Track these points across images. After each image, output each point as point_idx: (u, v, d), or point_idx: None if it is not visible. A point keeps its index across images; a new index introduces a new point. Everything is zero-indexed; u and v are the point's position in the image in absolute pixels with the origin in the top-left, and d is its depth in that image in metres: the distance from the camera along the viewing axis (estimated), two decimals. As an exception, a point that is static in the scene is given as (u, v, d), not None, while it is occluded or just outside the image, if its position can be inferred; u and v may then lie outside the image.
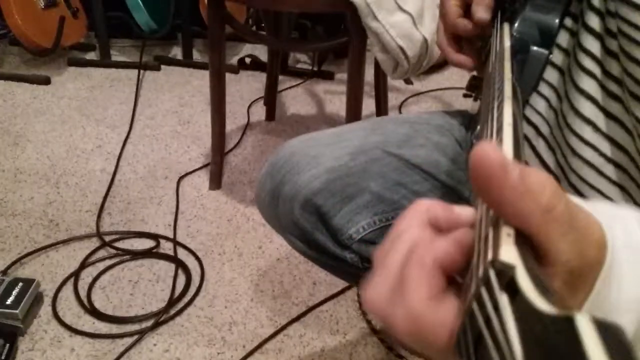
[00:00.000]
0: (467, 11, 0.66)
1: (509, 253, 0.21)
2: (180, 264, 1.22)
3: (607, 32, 0.51)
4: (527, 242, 0.23)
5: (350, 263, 0.68)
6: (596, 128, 0.54)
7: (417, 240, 0.27)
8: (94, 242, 1.28)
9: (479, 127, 0.60)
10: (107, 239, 1.28)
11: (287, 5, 1.20)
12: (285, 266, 1.25)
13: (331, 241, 0.67)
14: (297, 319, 1.11)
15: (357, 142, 0.68)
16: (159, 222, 1.36)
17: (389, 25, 1.11)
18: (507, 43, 0.48)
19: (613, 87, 0.52)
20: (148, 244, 1.28)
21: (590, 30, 0.52)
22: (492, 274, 0.20)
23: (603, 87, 0.53)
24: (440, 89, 2.06)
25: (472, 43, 0.68)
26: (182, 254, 1.26)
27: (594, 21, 0.52)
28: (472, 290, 0.22)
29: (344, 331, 1.09)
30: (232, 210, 1.42)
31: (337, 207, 0.66)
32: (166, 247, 1.28)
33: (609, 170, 0.54)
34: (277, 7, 1.49)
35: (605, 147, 0.54)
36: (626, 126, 0.52)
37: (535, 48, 0.54)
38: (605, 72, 0.52)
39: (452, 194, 0.67)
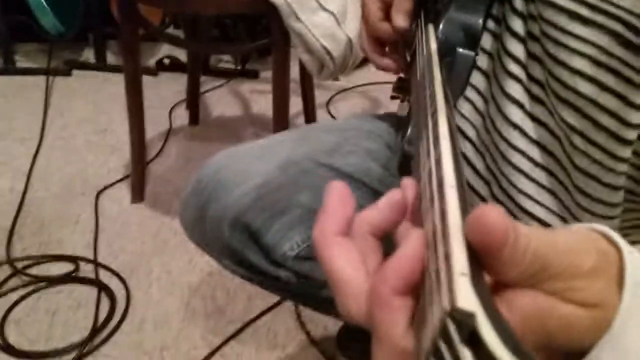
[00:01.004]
0: (389, 13, 0.66)
1: (468, 298, 0.19)
2: (102, 288, 1.16)
3: (530, 35, 0.52)
4: (482, 280, 0.22)
5: (285, 281, 0.66)
6: (523, 133, 0.54)
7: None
8: (5, 270, 1.19)
9: (410, 131, 0.60)
10: (20, 265, 1.20)
11: (203, 8, 1.16)
12: (217, 280, 1.21)
13: (264, 259, 0.65)
14: (233, 336, 1.07)
15: (286, 154, 0.66)
16: (77, 242, 1.28)
17: (312, 26, 1.09)
18: (434, 46, 0.48)
19: (537, 91, 0.53)
20: (66, 267, 1.21)
21: (514, 34, 0.53)
22: (450, 327, 0.18)
23: (528, 91, 0.53)
24: (367, 84, 2.08)
25: (396, 45, 0.68)
26: (104, 276, 1.20)
27: (517, 24, 0.53)
28: (427, 342, 0.20)
29: (283, 344, 1.07)
30: (157, 224, 1.36)
31: (268, 223, 0.63)
32: (86, 270, 1.21)
33: (538, 174, 0.55)
34: (192, 10, 1.44)
35: (534, 151, 0.54)
36: (552, 130, 0.53)
37: (461, 50, 0.54)
38: (529, 76, 0.53)
39: (386, 201, 0.67)
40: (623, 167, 0.48)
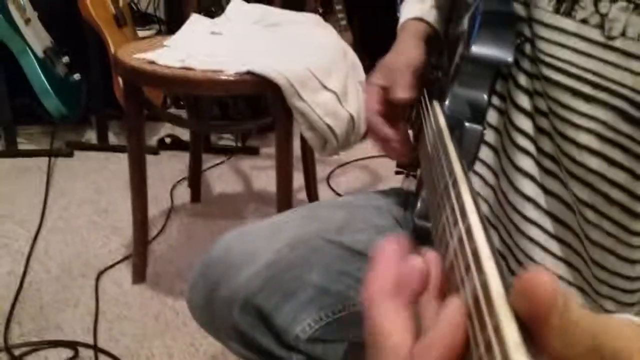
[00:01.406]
0: (387, 102, 0.68)
1: None
2: (103, 374, 1.13)
3: (537, 110, 0.53)
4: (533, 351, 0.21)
5: (297, 365, 0.65)
6: (537, 205, 0.55)
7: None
8: (2, 358, 1.16)
9: (419, 205, 0.60)
10: (17, 352, 1.16)
11: (209, 90, 1.20)
12: (222, 363, 1.18)
13: (275, 343, 0.64)
14: None
15: (295, 232, 0.66)
16: (76, 327, 1.26)
17: (315, 104, 1.12)
18: (442, 120, 0.49)
19: (548, 164, 0.54)
20: (65, 354, 1.18)
21: (521, 109, 0.54)
22: None
23: (539, 164, 0.54)
24: (366, 158, 2.11)
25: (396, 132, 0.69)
26: (105, 362, 1.17)
27: (523, 100, 0.54)
28: None
29: None
30: (159, 306, 1.34)
31: (279, 305, 0.62)
32: (86, 356, 1.18)
33: (554, 246, 0.55)
34: (198, 92, 1.49)
35: (548, 223, 0.55)
36: (566, 202, 0.53)
37: (468, 124, 0.55)
38: (540, 150, 0.54)
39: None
40: (638, 241, 0.49)
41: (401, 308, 0.28)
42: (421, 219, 0.59)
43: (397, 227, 0.70)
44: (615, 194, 0.48)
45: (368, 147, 2.21)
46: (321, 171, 1.91)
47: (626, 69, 0.46)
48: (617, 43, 0.46)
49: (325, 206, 0.74)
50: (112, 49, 2.02)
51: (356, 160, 2.10)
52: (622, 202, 0.48)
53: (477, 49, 0.54)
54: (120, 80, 1.98)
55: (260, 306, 0.62)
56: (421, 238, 0.63)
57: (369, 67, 1.31)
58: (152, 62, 1.19)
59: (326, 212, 0.70)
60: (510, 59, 0.54)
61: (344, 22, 2.21)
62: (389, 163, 2.40)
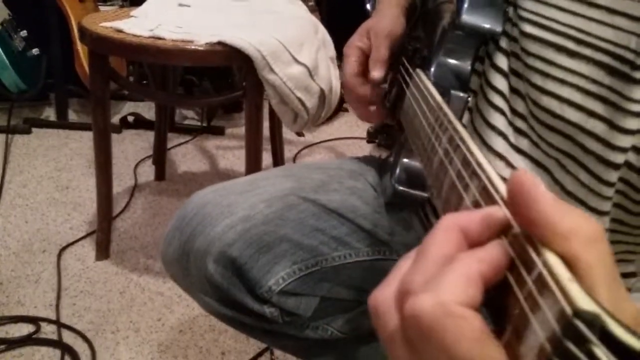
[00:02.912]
0: (366, 64, 0.71)
1: (588, 301, 0.20)
2: (66, 349, 1.13)
3: (513, 72, 0.57)
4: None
5: (270, 319, 0.67)
6: (508, 163, 0.58)
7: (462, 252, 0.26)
8: (-41, 332, 1.15)
9: (398, 171, 0.63)
10: (-24, 326, 1.16)
11: (181, 60, 1.21)
12: (189, 338, 1.19)
13: (249, 296, 0.66)
14: (207, 393, 1.05)
15: (272, 189, 0.68)
16: (38, 302, 1.25)
17: (287, 78, 1.14)
18: (432, 88, 0.51)
19: (520, 124, 0.57)
20: (27, 329, 1.17)
21: (499, 69, 0.58)
22: (581, 327, 0.20)
23: (511, 124, 0.58)
24: (332, 140, 2.14)
25: (372, 97, 0.72)
26: (68, 337, 1.17)
27: (502, 61, 0.58)
28: (537, 345, 0.21)
29: (260, 401, 1.05)
30: (124, 282, 1.34)
31: (254, 258, 0.65)
32: (48, 331, 1.18)
33: None
34: (167, 62, 1.49)
35: None
36: (536, 160, 0.57)
37: (454, 92, 0.57)
38: (513, 110, 0.58)
39: (371, 237, 0.69)
40: (609, 192, 0.52)
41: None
42: (402, 184, 0.63)
43: (371, 190, 0.73)
44: (591, 144, 0.51)
45: (335, 129, 2.24)
46: (288, 151, 1.93)
47: (609, 25, 0.49)
48: (601, 1, 0.50)
49: (301, 167, 0.76)
50: (74, 23, 2.00)
51: (322, 141, 2.13)
52: (598, 152, 0.51)
53: (467, 19, 0.57)
54: (82, 55, 1.96)
55: (234, 258, 0.64)
56: (401, 203, 0.66)
57: (337, 50, 1.33)
58: (120, 31, 1.19)
59: (302, 172, 0.73)
60: (499, 29, 0.57)
61: (311, 3, 2.23)
62: (356, 144, 2.43)
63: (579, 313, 0.20)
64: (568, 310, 0.20)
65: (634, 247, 0.57)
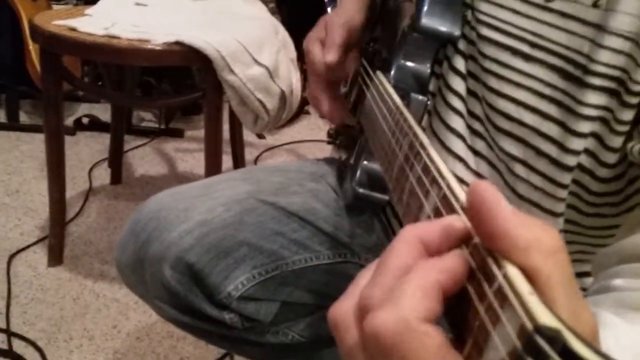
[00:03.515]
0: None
1: (549, 315, 0.20)
2: (16, 359, 1.08)
3: (470, 74, 0.57)
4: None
5: (229, 325, 0.66)
6: (467, 165, 0.58)
7: (419, 261, 0.26)
8: None
9: (359, 174, 0.63)
10: None
11: (138, 60, 1.18)
12: (146, 345, 1.16)
13: (207, 302, 0.65)
14: (165, 402, 1.03)
15: (230, 192, 0.67)
16: (-14, 310, 1.20)
17: (247, 79, 1.13)
18: (392, 91, 0.51)
19: (477, 126, 0.57)
20: (-27, 337, 1.13)
21: (457, 72, 0.58)
22: (541, 343, 0.19)
23: (468, 125, 0.58)
24: (293, 142, 2.13)
25: (337, 96, 0.72)
26: (18, 346, 1.12)
27: (460, 63, 0.58)
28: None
29: (220, 408, 1.03)
30: (77, 288, 1.30)
31: (212, 263, 0.63)
32: (-3, 339, 1.13)
33: None
34: (122, 62, 1.45)
35: None
36: (492, 163, 0.57)
37: (414, 95, 0.57)
38: (470, 112, 0.58)
39: (332, 240, 0.69)
40: (563, 194, 0.53)
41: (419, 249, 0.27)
42: (363, 187, 0.62)
43: (331, 192, 0.72)
44: (546, 147, 0.52)
45: (296, 131, 2.23)
46: (249, 154, 1.91)
47: (563, 29, 0.50)
48: (555, 5, 0.50)
49: (260, 170, 0.75)
50: (25, 21, 1.93)
51: (283, 144, 2.12)
52: (552, 154, 0.52)
53: (426, 23, 0.57)
54: (34, 54, 1.90)
55: (192, 264, 0.62)
56: (361, 206, 0.66)
57: (297, 52, 1.33)
58: (74, 29, 1.16)
59: (261, 175, 0.72)
60: (458, 32, 0.57)
61: (272, 5, 2.22)
62: (317, 146, 2.43)
63: (539, 329, 0.20)
64: (529, 325, 0.20)
65: (587, 247, 0.58)
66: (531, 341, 0.20)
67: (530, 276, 0.22)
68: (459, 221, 0.27)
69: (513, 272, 0.23)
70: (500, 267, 0.23)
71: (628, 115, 0.47)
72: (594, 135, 0.50)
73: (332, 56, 0.66)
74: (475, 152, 0.58)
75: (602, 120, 0.49)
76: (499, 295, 0.22)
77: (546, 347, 0.19)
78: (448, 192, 0.30)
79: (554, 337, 0.19)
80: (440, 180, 0.32)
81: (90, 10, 1.30)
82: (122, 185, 1.76)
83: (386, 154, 0.45)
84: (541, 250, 0.23)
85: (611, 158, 0.49)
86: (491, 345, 0.22)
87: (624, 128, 0.48)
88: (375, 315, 0.24)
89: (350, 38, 0.68)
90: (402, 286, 0.24)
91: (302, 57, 0.74)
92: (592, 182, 0.51)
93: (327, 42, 0.67)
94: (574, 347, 0.19)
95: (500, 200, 0.24)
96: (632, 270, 0.43)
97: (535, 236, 0.23)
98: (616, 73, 0.47)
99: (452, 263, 0.25)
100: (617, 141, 0.48)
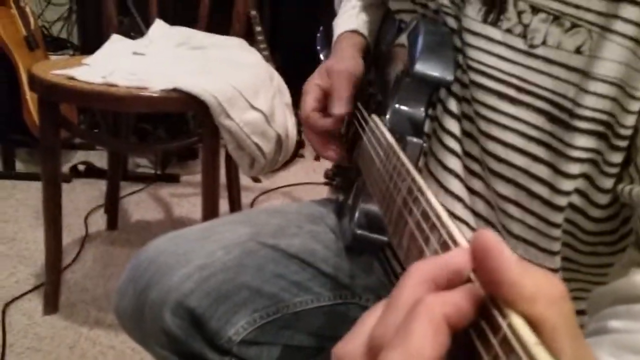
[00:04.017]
0: (325, 103, 0.71)
1: None
2: (10, 409, 1.06)
3: (464, 115, 0.58)
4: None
5: (230, 370, 0.65)
6: (465, 204, 0.59)
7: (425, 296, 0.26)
8: None
9: (357, 215, 0.63)
10: None
11: (136, 107, 1.19)
12: (143, 393, 1.14)
13: (208, 347, 0.64)
14: None
15: (229, 235, 0.67)
16: (-20, 361, 1.18)
17: (243, 123, 1.14)
18: (389, 135, 0.51)
19: (473, 166, 0.58)
20: (-33, 389, 1.10)
21: (451, 113, 0.59)
22: None
23: (465, 165, 0.59)
24: (289, 185, 2.14)
25: (334, 135, 0.73)
26: (12, 396, 1.10)
27: (453, 105, 0.59)
28: None
29: None
30: (73, 336, 1.28)
31: (212, 307, 0.63)
32: (-9, 391, 1.11)
33: None
34: (120, 109, 1.47)
35: (473, 222, 0.59)
36: (488, 201, 0.58)
37: (409, 138, 0.58)
38: (466, 152, 0.59)
39: (332, 281, 0.68)
40: (557, 233, 0.53)
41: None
42: (362, 228, 0.62)
43: (330, 234, 0.72)
44: (537, 188, 0.53)
45: (292, 174, 2.24)
46: (245, 197, 1.91)
47: (547, 74, 0.51)
48: (539, 51, 0.52)
49: (258, 212, 0.75)
50: (23, 72, 1.96)
51: (279, 187, 2.12)
52: (543, 195, 0.52)
53: (420, 68, 0.58)
54: (30, 104, 1.92)
55: (192, 309, 0.62)
56: (361, 247, 0.66)
57: (292, 98, 1.34)
58: (72, 78, 1.17)
59: (260, 217, 0.72)
60: (450, 77, 0.58)
61: (266, 53, 2.26)
62: (313, 189, 2.43)
63: None
64: None
65: (585, 285, 0.58)
66: None
67: (535, 326, 0.22)
68: (466, 256, 0.27)
69: (518, 322, 0.23)
70: (504, 316, 0.23)
71: (617, 157, 0.48)
72: (585, 176, 0.50)
73: (339, 110, 0.68)
74: (473, 192, 0.59)
75: (592, 162, 0.49)
76: (504, 345, 0.22)
77: None
78: (448, 239, 0.30)
79: None
80: (439, 226, 0.32)
81: (88, 60, 1.32)
82: (119, 231, 1.76)
83: (384, 198, 0.45)
84: (546, 300, 0.23)
85: (603, 199, 0.50)
86: None
87: (614, 170, 0.48)
88: (388, 355, 0.24)
89: (355, 89, 0.70)
90: (412, 324, 0.24)
91: (296, 103, 0.76)
92: (585, 221, 0.52)
93: (335, 96, 0.68)
94: None
95: (503, 249, 0.24)
96: (629, 312, 0.43)
97: (540, 285, 0.23)
98: (603, 117, 0.48)
99: (458, 297, 0.25)
100: (607, 182, 0.49)
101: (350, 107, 0.69)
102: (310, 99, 0.71)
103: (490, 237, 0.24)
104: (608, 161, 0.48)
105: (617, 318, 0.43)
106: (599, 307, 0.46)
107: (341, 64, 0.70)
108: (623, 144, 0.47)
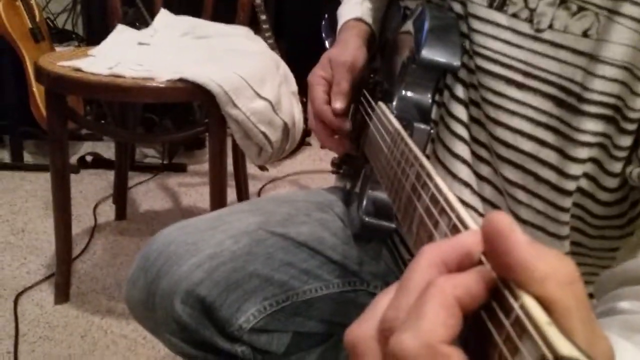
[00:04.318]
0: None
1: (568, 346, 0.20)
2: (24, 398, 1.07)
3: (471, 101, 0.58)
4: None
5: (242, 358, 0.65)
6: (473, 190, 0.59)
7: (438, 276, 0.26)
8: None
9: (365, 203, 0.63)
10: None
11: (143, 97, 1.19)
12: (154, 380, 1.15)
13: (219, 336, 0.64)
14: None
15: (238, 225, 0.67)
16: (-6, 350, 1.19)
17: (250, 112, 1.14)
18: (396, 122, 0.51)
19: (481, 152, 0.58)
20: (-18, 378, 1.11)
21: (459, 100, 0.59)
22: None
23: (473, 152, 0.59)
24: (296, 173, 2.14)
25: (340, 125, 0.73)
26: (26, 385, 1.11)
27: (460, 91, 0.59)
28: None
29: None
30: (85, 325, 1.29)
31: (222, 296, 0.63)
32: (6, 380, 1.12)
33: None
34: (127, 100, 1.47)
35: (482, 207, 0.59)
36: (496, 186, 0.58)
37: (417, 125, 0.58)
38: (473, 138, 0.58)
39: (341, 268, 0.69)
40: (566, 217, 0.53)
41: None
42: (370, 216, 0.62)
43: (339, 222, 0.72)
44: (545, 172, 0.53)
45: (299, 162, 2.24)
46: (252, 186, 1.92)
47: (554, 58, 0.51)
48: (546, 35, 0.51)
49: (267, 201, 0.75)
50: (29, 64, 1.96)
51: (286, 175, 2.12)
52: (551, 180, 0.52)
53: (427, 55, 0.57)
54: (37, 96, 1.92)
55: (202, 297, 0.62)
56: (369, 234, 0.66)
57: (298, 86, 1.34)
58: (78, 70, 1.17)
59: (269, 206, 0.72)
60: (457, 63, 0.58)
61: (271, 41, 2.25)
62: (320, 177, 2.43)
63: (560, 359, 0.20)
64: (549, 356, 0.20)
65: (594, 269, 0.58)
66: None
67: (547, 307, 0.22)
68: (477, 238, 0.26)
69: (530, 302, 0.23)
70: (516, 297, 0.23)
71: (626, 141, 0.47)
72: (593, 160, 0.50)
73: (340, 105, 0.68)
74: (481, 177, 0.59)
75: (601, 146, 0.49)
76: (517, 326, 0.22)
77: None
78: (458, 223, 0.30)
79: None
80: (449, 210, 0.32)
81: (94, 51, 1.32)
82: (127, 221, 1.76)
83: (392, 184, 0.45)
84: (558, 281, 0.23)
85: (612, 182, 0.50)
86: None
87: (623, 154, 0.48)
88: (400, 337, 0.24)
89: (355, 80, 0.70)
90: (424, 307, 0.24)
91: (302, 91, 0.76)
92: (594, 205, 0.52)
93: (335, 90, 0.69)
94: None
95: (515, 231, 0.24)
96: (637, 293, 0.43)
97: (552, 267, 0.23)
98: (611, 100, 0.48)
99: (469, 279, 0.25)
100: (616, 166, 0.49)
101: (350, 102, 0.69)
102: (320, 91, 0.71)
103: (502, 219, 0.24)
104: (617, 145, 0.48)
105: (625, 299, 0.43)
106: (607, 290, 0.46)
107: (343, 55, 0.70)
108: (632, 127, 0.47)
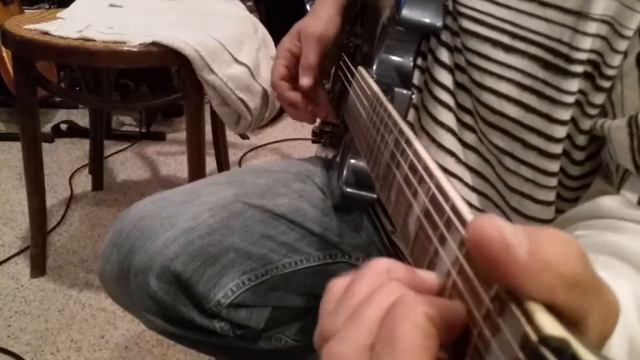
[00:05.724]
0: (295, 68, 0.69)
1: (554, 325, 0.19)
2: (1, 373, 1.06)
3: (456, 66, 0.56)
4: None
5: (220, 333, 0.64)
6: (458, 159, 0.57)
7: (399, 295, 0.24)
8: None
9: (345, 173, 0.61)
10: None
11: (114, 62, 1.15)
12: (135, 354, 1.14)
13: (196, 312, 0.63)
14: (157, 412, 1.01)
15: (215, 197, 0.65)
16: (-32, 326, 1.17)
17: (227, 78, 1.11)
18: (375, 87, 0.49)
19: (467, 119, 0.56)
20: (-44, 354, 1.10)
21: (442, 64, 0.57)
22: (547, 354, 0.18)
23: (458, 118, 0.57)
24: (277, 141, 2.11)
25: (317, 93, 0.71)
26: (3, 361, 1.09)
27: (444, 55, 0.56)
28: None
29: (213, 415, 1.01)
30: (62, 299, 1.27)
31: (199, 271, 0.61)
32: (-19, 355, 1.10)
33: (473, 198, 0.58)
34: (98, 65, 1.42)
35: (467, 176, 0.57)
36: (482, 155, 0.56)
37: (397, 90, 0.56)
38: (459, 105, 0.56)
39: (321, 241, 0.67)
40: (554, 182, 0.52)
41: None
42: (350, 186, 0.61)
43: (318, 192, 0.71)
44: (532, 138, 0.51)
45: (280, 130, 2.21)
46: (232, 155, 1.89)
47: (542, 18, 0.49)
48: None
49: (244, 172, 0.73)
50: (-3, 27, 1.89)
51: (267, 143, 2.09)
52: (538, 145, 0.51)
53: (407, 14, 0.55)
54: (7, 60, 1.85)
55: (178, 273, 0.60)
56: (349, 205, 0.65)
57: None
58: (46, 33, 1.13)
59: (247, 177, 0.70)
60: (440, 23, 0.55)
61: (249, 3, 2.19)
62: (302, 145, 2.41)
63: (544, 339, 0.18)
64: (533, 336, 0.18)
65: None
66: (536, 353, 0.18)
67: (560, 313, 0.20)
68: (434, 280, 0.26)
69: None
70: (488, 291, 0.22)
71: (600, 99, 0.46)
72: (572, 120, 0.49)
73: (307, 80, 0.66)
74: (465, 145, 0.57)
75: (578, 104, 0.48)
76: (497, 302, 0.21)
77: (551, 358, 0.18)
78: (436, 191, 0.29)
79: (560, 348, 0.18)
80: (427, 179, 0.30)
81: (63, 13, 1.26)
82: (104, 191, 1.73)
83: (371, 152, 0.44)
84: (566, 286, 0.20)
85: (584, 140, 0.49)
86: (491, 357, 0.20)
87: (596, 111, 0.47)
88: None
89: (324, 51, 0.67)
90: (395, 338, 0.22)
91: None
92: (571, 166, 0.51)
93: (302, 64, 0.67)
94: (583, 357, 0.17)
95: (509, 246, 0.20)
96: (589, 225, 0.43)
97: (558, 268, 0.20)
98: (592, 57, 0.46)
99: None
100: (588, 124, 0.48)
101: (318, 75, 0.67)
102: (279, 65, 0.69)
103: (489, 234, 0.20)
104: (591, 102, 0.47)
105: (582, 229, 0.43)
106: (563, 228, 0.45)
107: (314, 25, 0.68)
108: (607, 84, 0.45)
